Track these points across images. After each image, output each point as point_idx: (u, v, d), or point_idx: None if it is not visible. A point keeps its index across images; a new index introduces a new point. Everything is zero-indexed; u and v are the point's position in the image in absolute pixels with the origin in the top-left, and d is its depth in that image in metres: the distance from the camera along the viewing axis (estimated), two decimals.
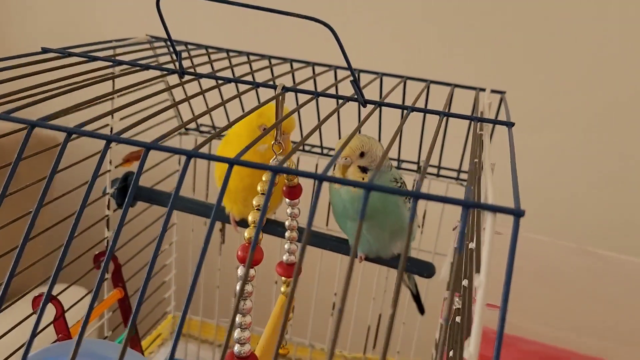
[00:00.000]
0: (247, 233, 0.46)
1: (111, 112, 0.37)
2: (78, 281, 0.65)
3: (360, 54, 0.77)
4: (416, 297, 0.77)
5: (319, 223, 0.79)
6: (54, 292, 0.59)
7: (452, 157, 0.74)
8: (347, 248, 0.66)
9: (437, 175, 0.75)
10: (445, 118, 0.45)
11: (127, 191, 0.69)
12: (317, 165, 0.78)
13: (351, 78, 0.46)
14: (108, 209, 0.68)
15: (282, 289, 0.62)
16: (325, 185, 0.66)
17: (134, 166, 0.70)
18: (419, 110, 0.45)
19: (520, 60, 0.99)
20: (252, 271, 0.45)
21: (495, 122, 0.44)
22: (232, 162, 0.32)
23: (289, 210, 0.59)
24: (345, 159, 0.59)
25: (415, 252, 0.78)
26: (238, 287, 0.45)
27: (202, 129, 0.81)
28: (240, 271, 0.45)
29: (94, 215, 0.66)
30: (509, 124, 0.44)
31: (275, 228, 0.66)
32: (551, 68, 0.99)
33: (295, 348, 0.88)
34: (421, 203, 0.76)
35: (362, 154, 0.59)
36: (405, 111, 0.45)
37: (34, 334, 0.29)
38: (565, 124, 1.01)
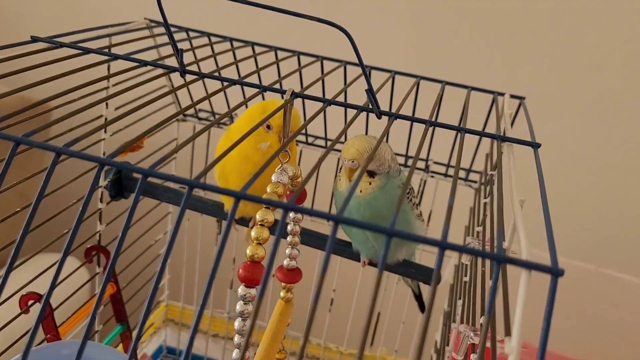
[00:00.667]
0: (250, 251, 0.43)
1: (104, 126, 0.34)
2: (69, 277, 0.62)
3: (369, 49, 0.73)
4: (418, 297, 0.74)
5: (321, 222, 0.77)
6: (42, 291, 0.57)
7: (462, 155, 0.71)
8: (350, 251, 0.63)
9: (446, 175, 0.72)
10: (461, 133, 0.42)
11: (121, 183, 0.66)
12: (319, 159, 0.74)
13: (362, 85, 0.42)
14: (101, 201, 0.65)
15: (282, 294, 0.60)
16: (328, 185, 0.63)
17: (129, 157, 0.66)
18: (439, 125, 0.42)
19: (536, 60, 0.96)
20: (253, 291, 0.42)
21: (520, 142, 0.41)
22: (238, 196, 0.29)
23: (292, 215, 0.56)
24: (353, 161, 0.55)
25: (418, 252, 0.75)
26: (238, 307, 0.42)
27: (201, 115, 0.78)
28: (241, 290, 0.42)
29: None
30: (535, 145, 0.41)
31: (275, 230, 0.63)
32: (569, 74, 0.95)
33: (290, 342, 0.87)
34: (427, 202, 0.73)
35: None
36: (425, 125, 0.42)
37: (30, 344, 0.27)
38: (585, 132, 0.97)
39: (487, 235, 0.53)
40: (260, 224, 0.43)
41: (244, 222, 0.65)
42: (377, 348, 0.84)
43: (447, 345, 0.60)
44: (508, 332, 0.27)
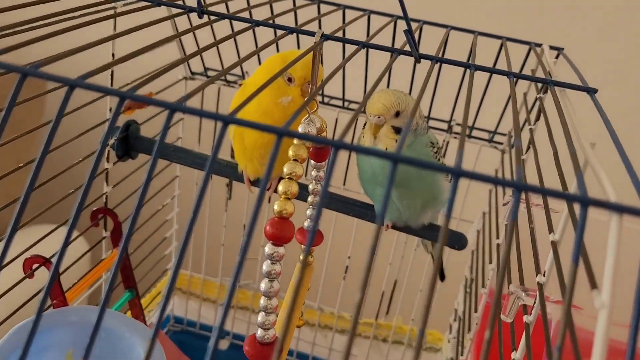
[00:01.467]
0: (278, 206, 0.39)
1: (111, 65, 0.30)
2: (75, 240, 0.59)
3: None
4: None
5: (335, 182, 0.73)
6: (48, 255, 0.53)
7: (485, 115, 0.67)
8: (372, 214, 0.60)
9: (469, 136, 0.69)
10: (514, 79, 0.38)
11: (129, 141, 0.62)
12: (336, 119, 0.71)
13: (399, 27, 0.38)
14: (107, 161, 0.61)
15: (301, 257, 0.56)
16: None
17: (135, 114, 0.62)
18: (484, 69, 0.38)
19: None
20: (281, 249, 0.39)
21: (575, 87, 0.37)
22: (280, 133, 0.25)
23: (313, 173, 0.52)
24: (379, 117, 0.52)
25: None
26: (265, 267, 0.39)
27: (211, 73, 0.74)
28: (268, 249, 0.39)
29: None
30: (591, 90, 0.37)
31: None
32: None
33: (303, 310, 0.84)
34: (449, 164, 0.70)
35: (397, 114, 0.52)
36: (469, 70, 0.38)
37: (42, 308, 0.24)
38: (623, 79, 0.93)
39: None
40: (288, 177, 0.40)
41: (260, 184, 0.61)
42: (393, 317, 0.81)
43: (476, 311, 0.57)
44: (593, 285, 0.23)
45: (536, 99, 0.48)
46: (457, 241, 0.59)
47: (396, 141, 0.53)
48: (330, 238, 0.76)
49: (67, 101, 0.26)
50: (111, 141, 0.60)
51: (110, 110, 0.58)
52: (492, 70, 0.38)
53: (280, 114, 0.54)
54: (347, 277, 0.78)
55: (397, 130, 0.52)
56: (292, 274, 0.57)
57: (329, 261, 0.78)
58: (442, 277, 0.73)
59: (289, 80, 0.53)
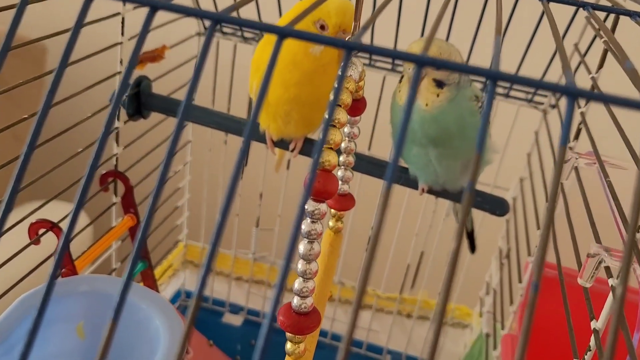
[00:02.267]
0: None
1: None
2: (82, 206, 0.54)
3: None
4: (470, 234, 0.67)
5: (360, 147, 0.68)
6: (55, 219, 0.49)
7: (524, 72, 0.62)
8: (406, 177, 0.55)
9: (507, 95, 0.64)
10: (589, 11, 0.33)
11: (140, 99, 0.57)
12: (383, 81, 0.65)
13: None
14: (117, 119, 0.56)
15: (330, 223, 0.52)
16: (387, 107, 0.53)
17: (148, 69, 0.57)
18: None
19: None
20: (323, 206, 0.34)
21: None
22: (421, 62, 0.20)
23: (346, 130, 0.47)
24: None
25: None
26: (304, 227, 0.34)
27: (226, 30, 0.68)
28: (309, 206, 0.34)
29: (100, 126, 0.55)
30: None
31: None
32: None
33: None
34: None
35: None
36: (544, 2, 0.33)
37: (54, 274, 0.19)
38: None
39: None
40: (331, 125, 0.35)
41: (284, 145, 0.57)
42: (418, 291, 0.77)
43: (520, 282, 0.53)
44: None
45: (592, 41, 0.43)
46: (499, 206, 0.54)
47: (438, 96, 0.48)
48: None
49: (148, 25, 0.21)
50: (122, 98, 0.55)
51: (121, 62, 0.53)
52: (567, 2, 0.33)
53: (310, 65, 0.49)
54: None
55: (438, 84, 0.48)
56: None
57: (351, 232, 0.73)
58: (473, 249, 0.69)
59: (322, 27, 0.48)
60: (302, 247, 0.35)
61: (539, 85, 0.20)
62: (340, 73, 0.21)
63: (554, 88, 0.19)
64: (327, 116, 0.33)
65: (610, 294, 0.29)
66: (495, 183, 0.66)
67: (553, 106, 0.62)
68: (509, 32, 0.55)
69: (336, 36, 0.48)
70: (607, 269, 0.30)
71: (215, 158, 0.74)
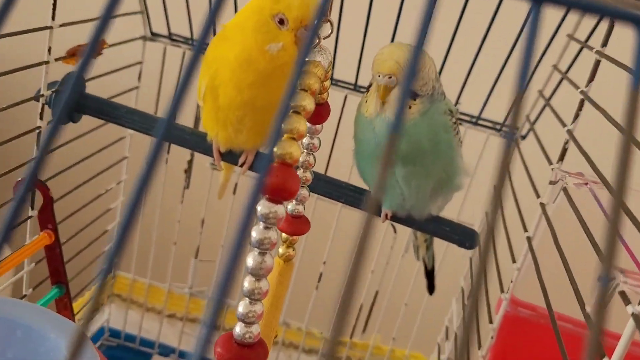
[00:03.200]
0: (280, 148, 0.28)
1: None
2: None
3: None
4: (429, 273, 0.61)
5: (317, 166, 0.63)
6: None
7: (495, 105, 0.59)
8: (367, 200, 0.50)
9: (476, 123, 0.60)
10: None
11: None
12: (345, 99, 0.60)
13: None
14: (41, 119, 0.48)
15: (280, 250, 0.45)
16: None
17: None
18: None
19: None
20: (280, 209, 0.28)
21: None
22: None
23: (305, 141, 0.42)
24: (390, 77, 0.42)
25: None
26: (255, 235, 0.28)
27: (175, 37, 0.62)
28: (263, 207, 0.28)
29: (21, 123, 0.47)
30: None
31: None
32: None
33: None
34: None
35: None
36: None
37: None
38: None
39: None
40: (294, 111, 0.29)
41: (233, 158, 0.50)
42: (371, 335, 0.70)
43: (491, 322, 0.47)
44: None
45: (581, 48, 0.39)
46: (469, 237, 0.49)
47: (410, 107, 0.43)
48: (302, 237, 0.65)
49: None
50: (47, 94, 0.48)
51: (49, 51, 0.46)
52: None
53: (265, 64, 0.43)
54: (321, 287, 0.67)
55: (411, 95, 0.43)
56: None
57: (299, 266, 0.67)
58: (432, 289, 0.63)
59: (281, 22, 0.42)
60: (250, 259, 0.28)
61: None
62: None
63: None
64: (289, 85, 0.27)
65: (631, 322, 0.24)
66: (458, 218, 0.61)
67: (524, 136, 0.58)
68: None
69: (297, 33, 0.42)
70: (623, 294, 0.25)
71: (157, 178, 0.66)
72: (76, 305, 0.62)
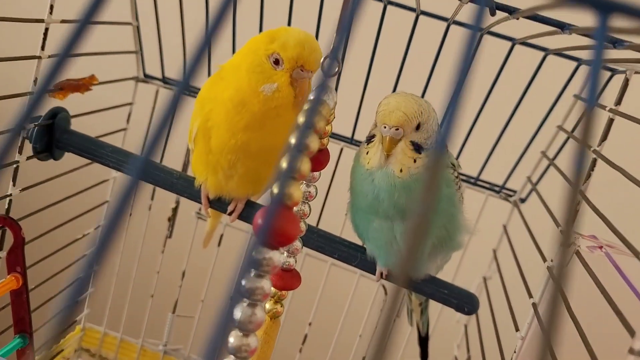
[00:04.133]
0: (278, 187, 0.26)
1: None
2: None
3: None
4: (423, 340, 0.58)
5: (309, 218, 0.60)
6: None
7: (494, 165, 0.57)
8: (362, 258, 0.47)
9: (475, 184, 0.58)
10: None
11: (53, 134, 0.47)
12: (341, 152, 0.58)
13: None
14: (19, 152, 0.46)
15: (268, 305, 0.42)
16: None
17: (70, 100, 0.48)
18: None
19: None
20: (275, 255, 0.25)
21: None
22: None
23: (302, 188, 0.39)
24: (397, 129, 0.40)
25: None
26: (245, 283, 0.25)
27: (168, 80, 0.60)
28: (260, 253, 0.25)
29: None
30: None
31: None
32: None
33: None
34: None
35: (418, 126, 0.41)
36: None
37: None
38: None
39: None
40: (299, 150, 0.27)
41: (222, 205, 0.47)
42: None
43: None
44: None
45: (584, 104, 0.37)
46: (469, 301, 0.46)
47: (415, 161, 0.41)
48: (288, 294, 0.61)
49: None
50: (30, 126, 0.45)
51: (34, 81, 0.43)
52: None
53: (259, 106, 0.41)
54: (305, 349, 0.63)
55: (416, 147, 0.41)
56: None
57: (282, 325, 0.63)
58: (425, 358, 0.59)
59: (276, 62, 0.41)
60: (239, 311, 0.25)
61: None
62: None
63: None
64: (301, 121, 0.25)
65: None
66: (454, 281, 0.59)
67: (523, 200, 0.56)
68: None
69: (294, 75, 0.41)
70: None
71: (136, 225, 0.63)
72: (39, 359, 0.57)
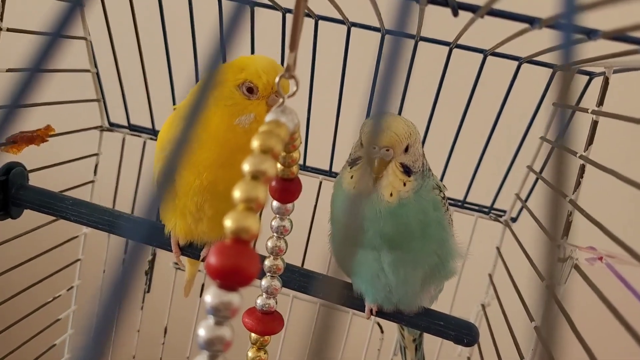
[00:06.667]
0: (233, 222, 0.23)
1: None
2: None
3: None
4: None
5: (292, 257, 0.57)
6: None
7: (480, 185, 0.54)
8: (349, 295, 0.43)
9: (462, 206, 0.55)
10: None
11: (8, 191, 0.44)
12: (320, 185, 0.56)
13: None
14: None
15: (250, 353, 0.39)
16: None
17: (26, 154, 0.45)
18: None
19: None
20: (234, 298, 0.22)
21: None
22: None
23: (274, 223, 0.36)
24: (388, 150, 0.37)
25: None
26: (204, 332, 0.22)
27: (135, 127, 0.58)
28: (214, 298, 0.22)
29: None
30: None
31: None
32: None
33: None
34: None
35: (407, 148, 0.38)
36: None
37: None
38: None
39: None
40: (252, 177, 0.24)
41: (193, 251, 0.44)
42: None
43: None
44: None
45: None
46: (467, 332, 0.42)
47: (405, 185, 0.38)
48: (278, 339, 0.57)
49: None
50: None
51: None
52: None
53: (238, 139, 0.39)
54: None
55: (405, 170, 0.38)
56: None
57: None
58: None
59: (249, 91, 0.38)
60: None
61: None
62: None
63: None
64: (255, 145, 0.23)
65: None
66: (451, 311, 0.55)
67: (514, 219, 0.53)
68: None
69: (268, 100, 0.38)
70: None
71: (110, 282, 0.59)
72: None
